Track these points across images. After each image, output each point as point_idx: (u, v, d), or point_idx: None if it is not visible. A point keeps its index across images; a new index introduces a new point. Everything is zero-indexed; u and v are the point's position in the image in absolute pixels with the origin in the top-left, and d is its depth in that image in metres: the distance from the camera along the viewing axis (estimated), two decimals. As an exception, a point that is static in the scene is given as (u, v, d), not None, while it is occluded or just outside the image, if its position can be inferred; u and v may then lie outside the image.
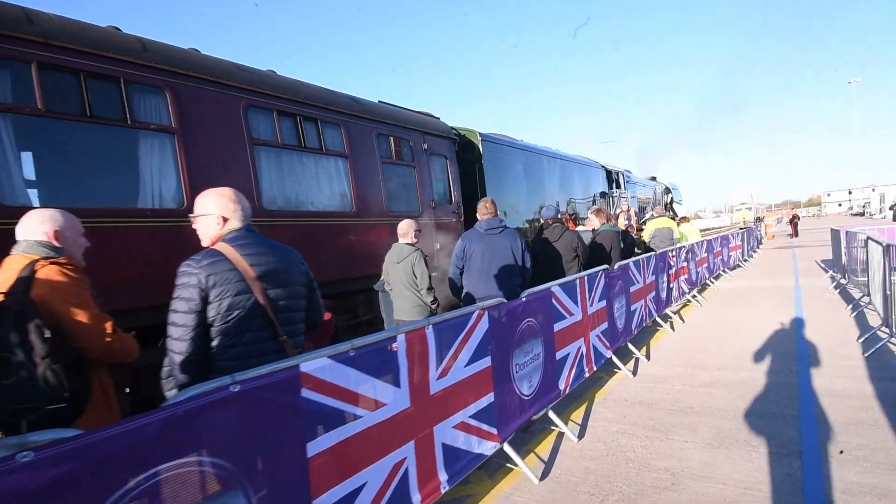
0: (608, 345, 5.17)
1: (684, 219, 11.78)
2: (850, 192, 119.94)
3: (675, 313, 8.26)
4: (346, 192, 6.14)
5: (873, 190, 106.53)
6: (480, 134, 9.06)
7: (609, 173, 15.65)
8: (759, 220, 42.30)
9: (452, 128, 9.08)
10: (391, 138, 6.90)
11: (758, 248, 21.25)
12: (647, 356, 5.93)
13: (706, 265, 11.07)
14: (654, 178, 24.68)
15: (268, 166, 5.28)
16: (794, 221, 29.14)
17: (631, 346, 5.86)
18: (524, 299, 3.50)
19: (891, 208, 23.81)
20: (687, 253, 9.43)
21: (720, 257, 12.77)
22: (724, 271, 13.18)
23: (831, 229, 11.67)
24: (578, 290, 4.50)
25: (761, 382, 4.65)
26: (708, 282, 11.28)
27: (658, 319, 7.30)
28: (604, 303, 5.13)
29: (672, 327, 7.41)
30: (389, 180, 6.79)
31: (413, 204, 7.19)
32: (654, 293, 7.17)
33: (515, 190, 10.07)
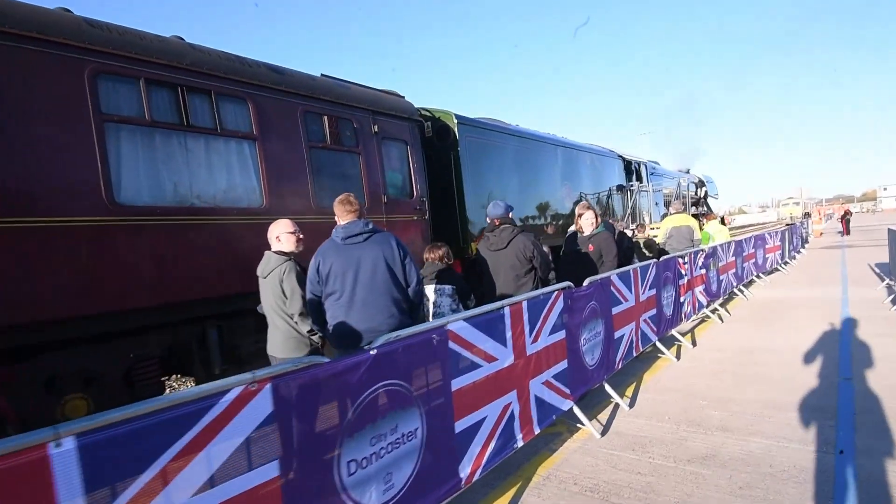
0: (567, 392, 3.79)
1: (710, 216, 10.09)
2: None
3: (685, 334, 6.73)
4: (254, 184, 4.92)
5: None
6: (457, 116, 7.70)
7: (628, 164, 13.96)
8: (807, 215, 39.28)
9: (422, 108, 7.76)
10: (325, 118, 5.63)
11: (802, 247, 19.05)
12: (632, 401, 4.51)
13: (733, 271, 9.40)
14: (687, 171, 22.75)
15: (129, 149, 4.12)
16: (845, 218, 26.45)
17: (608, 388, 4.45)
18: (373, 352, 2.19)
19: None
20: (706, 257, 7.84)
21: (752, 261, 11.01)
22: (757, 276, 11.41)
23: (889, 229, 9.77)
24: (509, 322, 3.14)
25: (781, 463, 3.19)
26: (736, 290, 9.61)
27: (659, 345, 5.82)
28: (561, 335, 3.75)
29: (677, 355, 5.91)
30: (321, 169, 5.54)
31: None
32: (653, 311, 5.69)
33: (503, 183, 8.66)
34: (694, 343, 6.42)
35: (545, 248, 6.58)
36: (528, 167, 9.46)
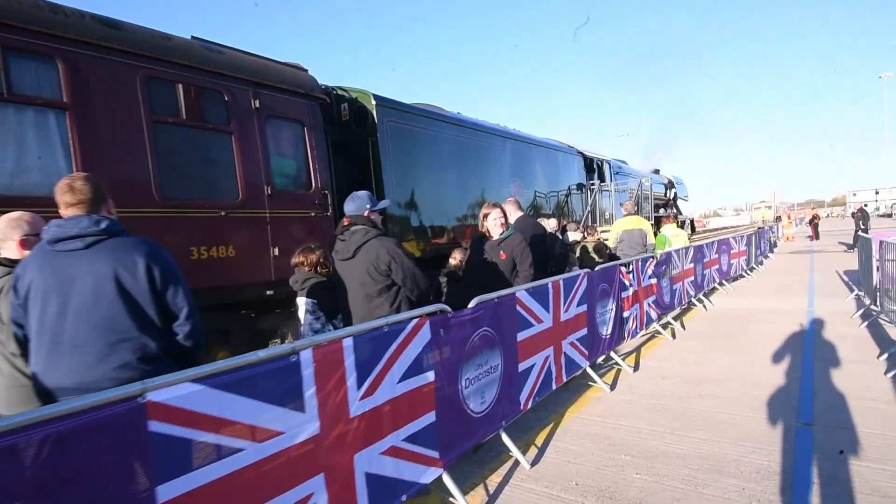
0: (434, 456, 2.77)
1: (667, 218, 9.22)
2: (877, 193, 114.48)
3: (628, 355, 5.81)
4: (61, 166, 3.78)
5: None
6: (376, 97, 6.64)
7: (589, 161, 13.06)
8: (778, 219, 39.36)
9: (337, 87, 6.71)
10: (179, 86, 4.51)
11: (770, 252, 18.48)
12: (539, 454, 3.51)
13: (691, 279, 8.54)
14: (657, 171, 22.17)
15: None
16: (814, 222, 26.16)
17: (506, 439, 3.43)
18: None
19: (852, 215, 21.73)
20: (658, 265, 6.94)
21: (715, 267, 10.20)
22: (720, 284, 10.61)
23: (860, 236, 9.04)
24: (311, 373, 2.09)
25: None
26: (695, 300, 8.75)
27: (590, 372, 4.85)
28: (426, 379, 2.72)
29: (613, 383, 4.95)
30: (172, 151, 4.42)
31: (225, 188, 4.82)
32: (584, 332, 4.73)
33: (436, 177, 7.62)
34: (637, 366, 5.48)
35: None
36: (469, 160, 8.44)
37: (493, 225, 4.04)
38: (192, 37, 4.97)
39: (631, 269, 5.98)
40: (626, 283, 5.79)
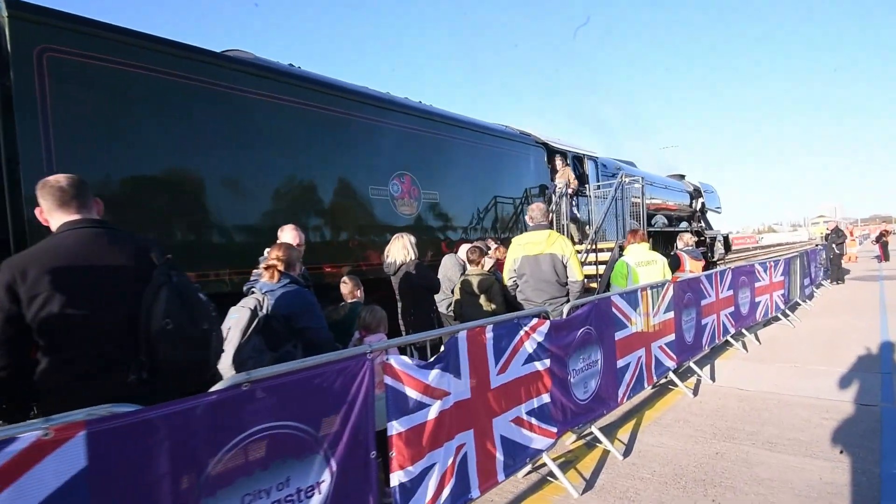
0: None
1: (635, 234, 5.60)
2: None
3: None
4: None
5: None
6: (14, 3, 3.54)
7: (557, 156, 9.44)
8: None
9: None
10: None
11: (825, 280, 14.18)
12: None
13: (669, 339, 4.94)
14: (681, 177, 18.45)
15: None
16: (882, 240, 21.36)
17: None
18: None
19: (826, 237, 17.45)
20: (565, 332, 3.46)
21: (727, 311, 6.48)
22: (736, 336, 6.87)
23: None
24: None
25: None
26: (675, 377, 5.15)
27: None
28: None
29: None
30: None
31: None
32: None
33: (187, 169, 4.43)
34: None
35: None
36: (286, 138, 5.20)
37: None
38: None
39: (489, 337, 2.55)
40: (417, 395, 2.37)
